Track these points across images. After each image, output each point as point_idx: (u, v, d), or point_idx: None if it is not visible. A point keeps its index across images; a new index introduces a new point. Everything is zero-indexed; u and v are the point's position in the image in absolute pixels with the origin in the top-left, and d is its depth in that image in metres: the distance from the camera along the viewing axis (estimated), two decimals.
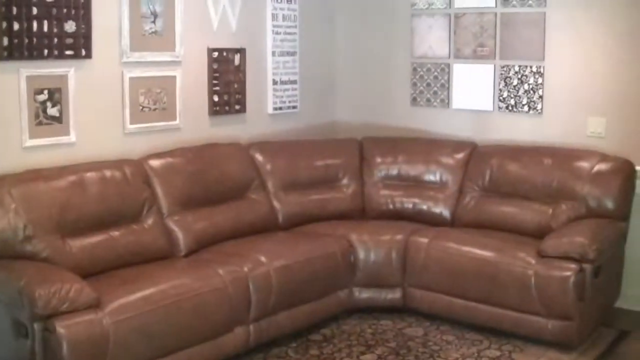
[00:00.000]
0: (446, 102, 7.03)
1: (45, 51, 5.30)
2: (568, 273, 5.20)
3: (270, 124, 7.02)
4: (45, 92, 5.35)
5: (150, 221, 5.42)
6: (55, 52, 5.34)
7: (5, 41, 5.09)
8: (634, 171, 5.97)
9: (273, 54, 6.96)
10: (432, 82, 7.09)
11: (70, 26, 5.40)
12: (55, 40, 5.33)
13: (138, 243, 5.27)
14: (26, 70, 5.22)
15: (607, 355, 5.40)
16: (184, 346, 4.78)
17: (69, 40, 5.42)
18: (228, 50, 6.56)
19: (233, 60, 6.61)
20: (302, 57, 7.25)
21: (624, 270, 6.06)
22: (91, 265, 4.95)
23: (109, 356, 4.32)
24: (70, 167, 5.25)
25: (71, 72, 5.46)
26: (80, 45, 5.49)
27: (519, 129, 6.63)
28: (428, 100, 7.13)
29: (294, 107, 7.21)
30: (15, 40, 5.12)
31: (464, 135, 6.86)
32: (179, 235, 5.57)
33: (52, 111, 5.40)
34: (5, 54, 5.10)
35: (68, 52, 5.43)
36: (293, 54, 7.15)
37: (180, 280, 4.90)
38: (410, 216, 6.50)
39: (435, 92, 7.08)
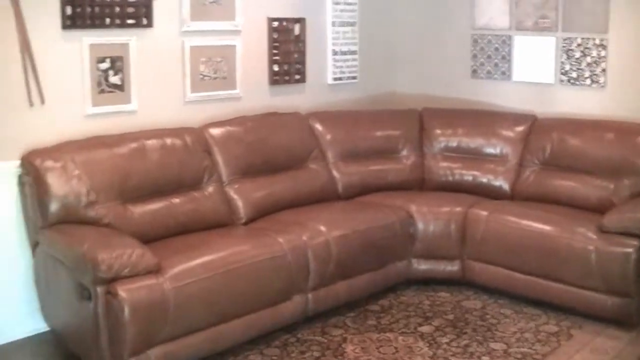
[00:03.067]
0: (507, 75, 6.95)
1: (108, 20, 5.36)
2: (629, 249, 5.13)
3: (330, 94, 7.01)
4: (108, 60, 5.41)
5: (210, 189, 5.46)
6: (117, 21, 5.40)
7: (69, 10, 5.17)
8: None
9: (333, 24, 6.94)
10: (492, 54, 7.01)
11: None
12: (117, 9, 5.39)
13: (198, 210, 5.31)
14: (89, 39, 5.30)
15: None
16: (243, 313, 4.81)
17: (131, 9, 5.47)
18: (288, 20, 6.56)
19: (293, 30, 6.60)
20: (362, 27, 7.21)
21: None
22: (152, 231, 5.01)
23: (169, 320, 4.36)
24: (132, 134, 5.31)
25: (133, 41, 5.51)
26: (141, 14, 5.53)
27: (581, 103, 6.52)
28: (489, 72, 7.05)
29: (354, 78, 7.19)
30: (78, 9, 5.19)
31: (525, 108, 6.75)
32: (239, 203, 5.59)
33: (114, 79, 5.45)
34: (69, 23, 5.18)
35: (130, 21, 5.48)
36: (353, 24, 7.11)
37: (239, 248, 4.93)
38: (470, 189, 6.44)
39: (496, 64, 7.00)
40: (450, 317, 5.50)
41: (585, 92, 6.53)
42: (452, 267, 5.99)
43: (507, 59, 6.94)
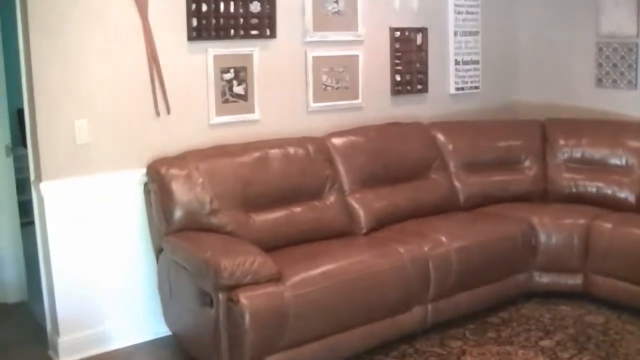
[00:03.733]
0: (634, 83, 6.74)
1: (232, 31, 5.47)
2: None
3: (452, 104, 6.98)
4: (232, 70, 5.51)
5: (332, 198, 5.50)
6: (241, 32, 5.51)
7: (194, 22, 5.30)
8: None
9: (455, 33, 6.90)
10: (618, 63, 6.83)
11: (255, 7, 5.54)
12: (241, 20, 5.49)
13: (319, 219, 5.35)
14: (213, 50, 5.42)
15: None
16: (362, 322, 4.83)
17: (254, 21, 5.56)
18: (410, 29, 6.56)
19: (415, 40, 6.59)
20: (484, 37, 7.15)
21: None
22: (273, 240, 5.07)
23: (288, 328, 4.41)
24: (255, 143, 5.40)
25: (256, 52, 5.61)
26: (265, 25, 5.62)
27: None
28: (614, 81, 6.87)
29: (476, 88, 7.14)
30: (204, 21, 5.32)
31: None
32: (360, 212, 5.61)
33: (238, 89, 5.55)
34: (194, 34, 5.31)
35: (253, 32, 5.58)
36: (475, 33, 7.06)
37: (360, 257, 4.94)
38: (593, 200, 6.27)
39: (622, 73, 6.81)
40: (572, 331, 5.39)
41: None
42: (574, 281, 5.87)
43: (633, 67, 6.73)
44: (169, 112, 5.25)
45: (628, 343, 5.17)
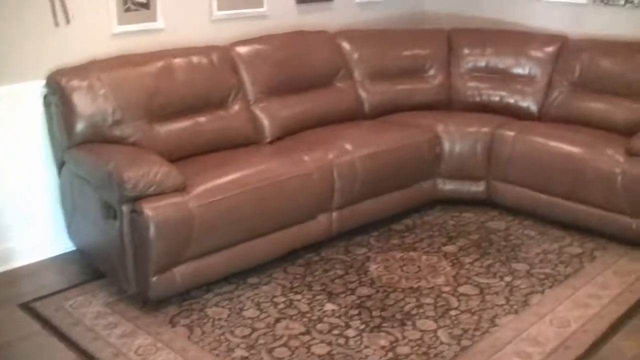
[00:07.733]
0: None
1: None
2: None
3: (358, 13, 6.93)
4: None
5: (236, 107, 5.45)
6: None
7: None
8: None
9: None
10: None
11: None
12: None
13: (224, 129, 5.32)
14: None
15: None
16: (268, 231, 4.85)
17: None
18: None
19: None
20: None
21: None
22: (178, 150, 5.03)
23: (194, 238, 4.40)
24: (158, 52, 5.29)
25: None
26: None
27: (614, 24, 6.35)
28: None
29: None
30: None
31: (556, 28, 6.62)
32: (265, 122, 5.60)
33: None
34: None
35: None
36: None
37: (265, 166, 4.93)
38: (497, 109, 6.37)
39: None
40: (475, 237, 5.52)
41: (619, 13, 6.36)
42: (477, 188, 5.98)
43: None
44: (68, 22, 5.09)
45: (528, 247, 5.34)
